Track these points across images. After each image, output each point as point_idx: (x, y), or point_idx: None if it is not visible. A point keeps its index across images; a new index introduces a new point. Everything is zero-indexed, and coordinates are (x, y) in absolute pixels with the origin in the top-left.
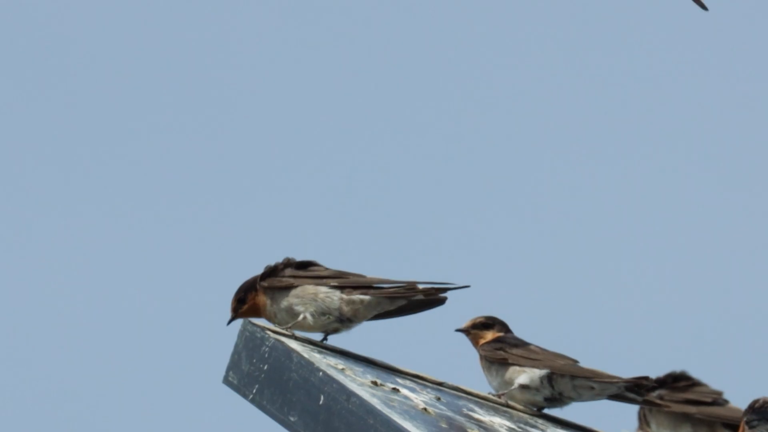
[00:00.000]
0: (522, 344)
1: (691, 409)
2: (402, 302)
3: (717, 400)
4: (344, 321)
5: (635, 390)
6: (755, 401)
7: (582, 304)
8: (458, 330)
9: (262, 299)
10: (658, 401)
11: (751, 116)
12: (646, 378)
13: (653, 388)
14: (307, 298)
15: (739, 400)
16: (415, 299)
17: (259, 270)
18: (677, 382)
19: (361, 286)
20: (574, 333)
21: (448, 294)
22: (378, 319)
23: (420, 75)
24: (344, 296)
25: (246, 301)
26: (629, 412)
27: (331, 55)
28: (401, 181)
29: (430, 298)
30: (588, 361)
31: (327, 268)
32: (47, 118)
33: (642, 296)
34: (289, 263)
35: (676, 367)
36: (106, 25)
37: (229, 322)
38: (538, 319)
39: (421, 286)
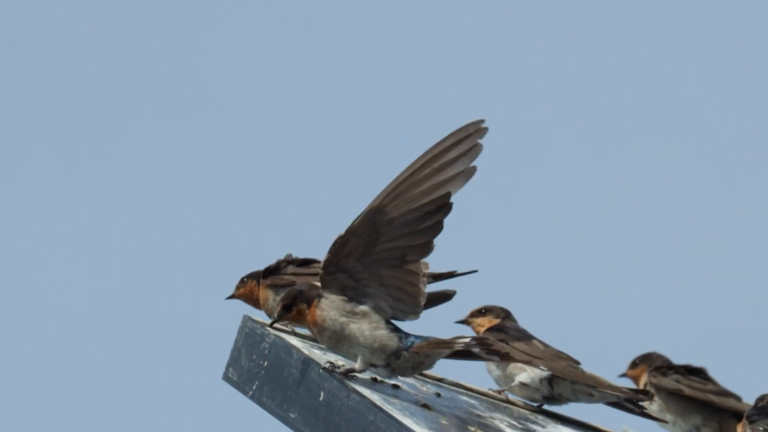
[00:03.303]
0: (525, 337)
1: (711, 397)
2: None
3: (733, 396)
4: None
5: (634, 402)
6: (761, 397)
7: (588, 298)
8: (457, 321)
9: (264, 294)
10: (674, 386)
11: (749, 115)
12: (646, 392)
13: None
14: None
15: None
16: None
17: (260, 267)
18: (693, 374)
19: None
20: (579, 326)
21: (456, 289)
22: None
23: (424, 71)
24: None
25: (244, 285)
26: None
27: (322, 54)
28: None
29: (438, 292)
30: (590, 352)
31: None
32: (40, 117)
33: (648, 290)
34: (290, 260)
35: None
36: (99, 26)
37: (227, 297)
38: (544, 313)
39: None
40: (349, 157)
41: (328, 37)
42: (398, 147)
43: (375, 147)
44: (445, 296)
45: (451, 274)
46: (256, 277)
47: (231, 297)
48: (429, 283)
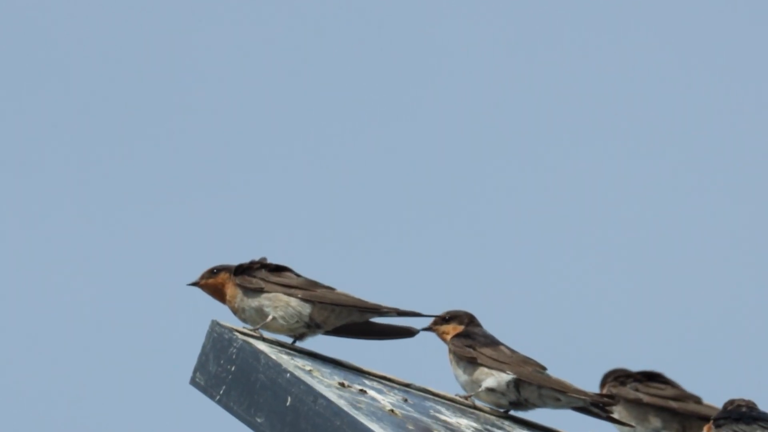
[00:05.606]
0: (492, 343)
1: (671, 404)
2: (372, 316)
3: (693, 398)
4: (312, 326)
5: (600, 406)
6: (730, 402)
7: (559, 304)
8: (423, 329)
9: (233, 291)
10: (634, 395)
11: (738, 115)
12: (612, 397)
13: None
14: (279, 303)
15: (719, 401)
16: (386, 319)
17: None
18: (652, 380)
19: (327, 303)
20: (552, 332)
21: (419, 328)
22: (347, 337)
23: (404, 75)
24: (316, 303)
25: (216, 276)
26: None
27: (317, 53)
28: (376, 181)
29: (402, 327)
30: (562, 360)
31: (299, 276)
32: (35, 116)
33: (618, 295)
34: (264, 264)
35: (650, 367)
36: (98, 26)
37: (190, 284)
38: (515, 319)
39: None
40: (342, 157)
41: (324, 36)
42: (395, 147)
43: (370, 147)
44: (408, 333)
45: (415, 314)
46: (228, 270)
47: (196, 284)
48: (393, 316)
